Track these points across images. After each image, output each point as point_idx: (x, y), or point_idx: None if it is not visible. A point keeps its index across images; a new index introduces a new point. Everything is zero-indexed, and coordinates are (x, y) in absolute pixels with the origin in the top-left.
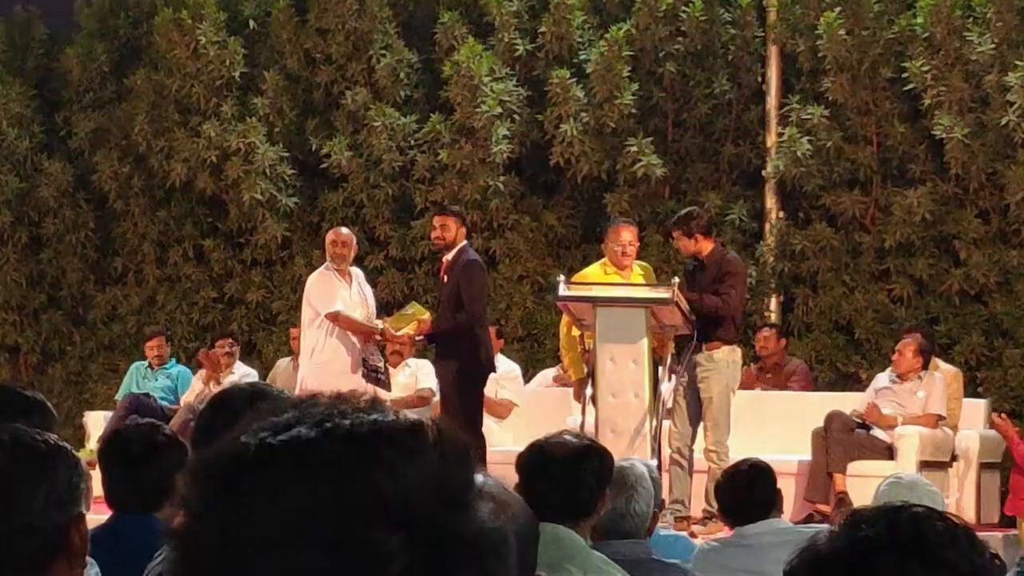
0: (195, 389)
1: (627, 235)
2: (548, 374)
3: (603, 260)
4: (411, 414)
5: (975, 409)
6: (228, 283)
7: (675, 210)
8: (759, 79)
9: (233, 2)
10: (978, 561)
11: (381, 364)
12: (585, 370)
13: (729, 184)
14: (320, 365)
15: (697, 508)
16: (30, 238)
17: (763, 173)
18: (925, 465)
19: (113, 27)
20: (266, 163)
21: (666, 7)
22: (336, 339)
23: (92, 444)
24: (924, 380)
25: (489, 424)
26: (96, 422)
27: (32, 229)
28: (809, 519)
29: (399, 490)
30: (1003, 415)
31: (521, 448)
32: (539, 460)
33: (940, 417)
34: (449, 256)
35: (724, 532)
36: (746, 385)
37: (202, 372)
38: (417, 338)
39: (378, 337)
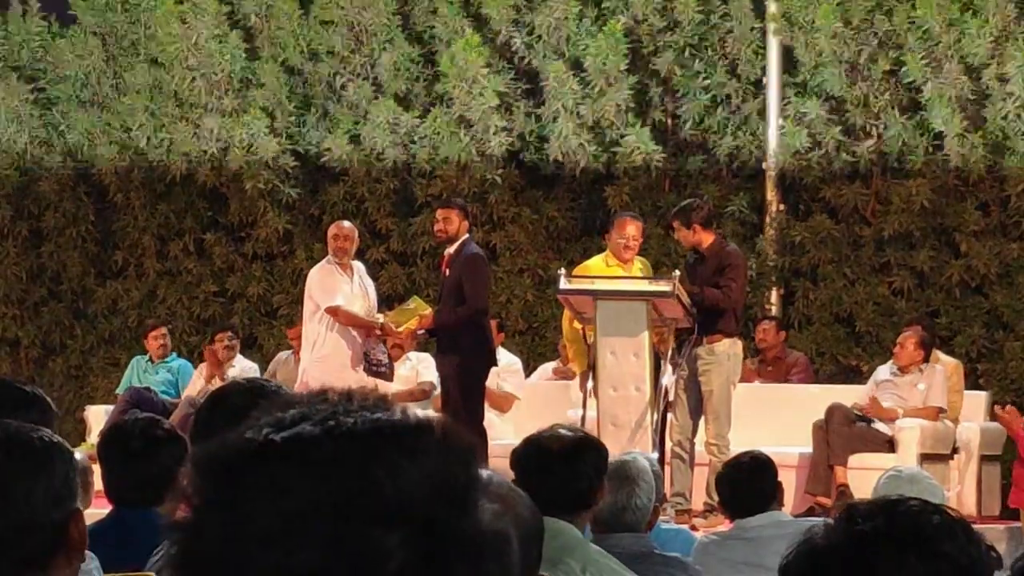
0: (196, 384)
1: (632, 229)
2: (549, 367)
3: (606, 252)
4: (419, 412)
5: (976, 401)
6: (229, 277)
7: (675, 203)
8: (757, 71)
9: None
10: (975, 554)
11: (384, 358)
12: (587, 363)
13: (729, 177)
14: (321, 359)
15: (698, 501)
16: (30, 232)
17: (763, 165)
18: (926, 458)
19: (109, 21)
20: (268, 155)
21: None
22: (337, 333)
23: (93, 438)
24: (925, 373)
25: (490, 417)
26: (97, 416)
27: (32, 223)
28: (810, 512)
29: (399, 489)
30: (1008, 407)
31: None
32: (536, 454)
33: (941, 410)
34: (451, 249)
35: (725, 525)
36: (747, 378)
37: (203, 367)
38: (419, 332)
39: (378, 332)
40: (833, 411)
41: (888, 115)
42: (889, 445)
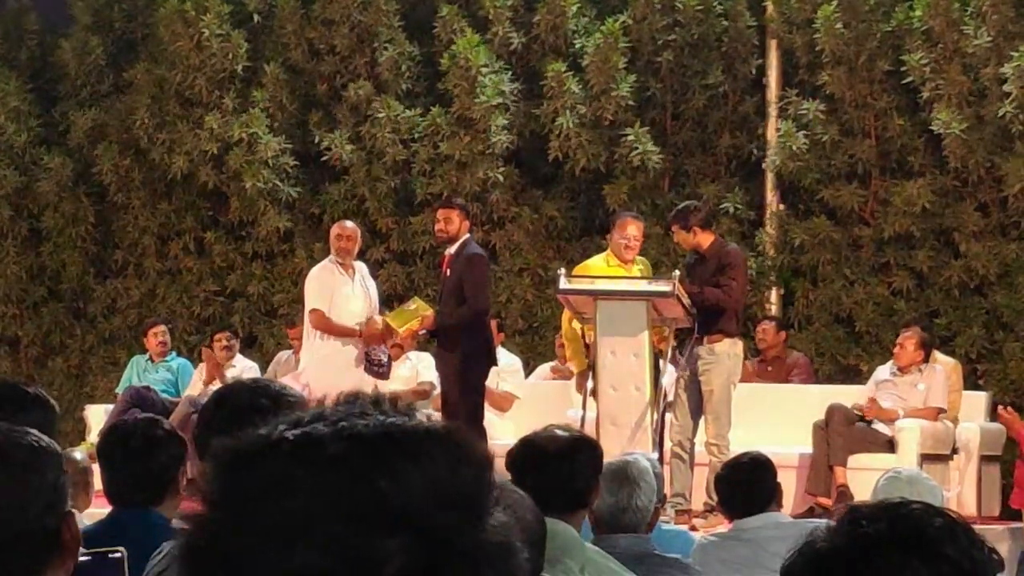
0: (196, 386)
1: (633, 230)
2: (547, 367)
3: (606, 252)
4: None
5: (976, 402)
6: (229, 276)
7: (675, 202)
8: (754, 71)
9: None
10: (977, 556)
11: (384, 357)
12: (586, 363)
13: (727, 176)
14: (322, 358)
15: (698, 501)
16: (30, 231)
17: (763, 165)
18: (926, 458)
19: (108, 20)
20: (268, 154)
21: None
22: None
23: (93, 438)
24: (924, 373)
25: (490, 417)
26: (97, 416)
27: (32, 222)
28: (810, 512)
29: (402, 494)
30: (1008, 408)
31: None
32: (532, 455)
33: (941, 410)
34: (452, 249)
35: (725, 525)
36: (747, 378)
37: (202, 367)
38: (420, 333)
39: (359, 335)
40: (833, 411)
41: (888, 115)
42: (889, 445)
